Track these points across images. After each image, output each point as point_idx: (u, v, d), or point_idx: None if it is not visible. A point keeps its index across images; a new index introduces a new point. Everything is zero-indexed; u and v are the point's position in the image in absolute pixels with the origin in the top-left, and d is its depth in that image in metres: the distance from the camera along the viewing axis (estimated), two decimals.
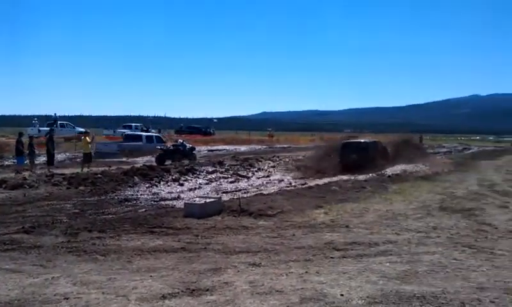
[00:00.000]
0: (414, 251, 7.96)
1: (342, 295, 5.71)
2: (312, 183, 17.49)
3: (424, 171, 22.66)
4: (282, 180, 18.76)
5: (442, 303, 5.47)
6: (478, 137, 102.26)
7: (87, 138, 22.19)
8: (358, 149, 23.28)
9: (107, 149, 30.08)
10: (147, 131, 54.78)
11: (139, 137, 33.51)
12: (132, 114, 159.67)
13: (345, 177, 19.26)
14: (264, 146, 49.50)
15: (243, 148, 44.83)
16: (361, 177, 19.11)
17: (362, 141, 25.49)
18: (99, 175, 16.59)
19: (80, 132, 39.31)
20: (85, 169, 19.73)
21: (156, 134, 38.33)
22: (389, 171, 21.58)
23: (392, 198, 14.34)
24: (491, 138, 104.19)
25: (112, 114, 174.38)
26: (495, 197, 14.76)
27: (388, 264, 7.11)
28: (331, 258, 7.52)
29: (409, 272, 6.69)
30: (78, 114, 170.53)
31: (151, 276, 6.49)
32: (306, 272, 6.68)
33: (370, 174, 19.98)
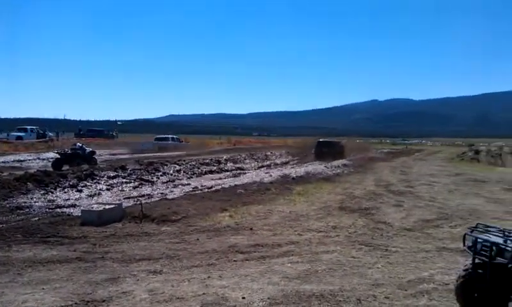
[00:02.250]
0: (314, 251, 8.16)
1: (243, 298, 5.68)
2: (234, 183, 17.47)
3: (326, 173, 23.53)
4: (189, 184, 18.51)
5: (339, 300, 5.63)
6: (375, 140, 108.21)
7: None
8: (327, 145, 35.70)
9: (146, 147, 41.99)
10: (43, 134, 51.85)
11: (166, 138, 48.28)
12: (29, 116, 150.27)
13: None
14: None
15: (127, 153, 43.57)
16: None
17: (329, 140, 39.59)
18: None
19: None
20: None
21: (175, 136, 51.57)
22: (293, 172, 22.21)
23: (296, 199, 14.66)
24: (388, 141, 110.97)
25: (8, 117, 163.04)
26: (390, 196, 15.63)
27: (289, 264, 7.21)
28: (234, 261, 7.48)
29: (310, 271, 6.84)
30: None
31: (43, 289, 6.08)
32: (209, 276, 6.58)
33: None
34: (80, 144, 26.69)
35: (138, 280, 6.48)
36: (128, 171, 19.70)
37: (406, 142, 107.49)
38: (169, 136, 50.41)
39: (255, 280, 6.39)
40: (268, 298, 5.66)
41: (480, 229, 4.91)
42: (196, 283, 6.27)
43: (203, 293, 5.84)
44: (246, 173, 24.29)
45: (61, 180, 16.38)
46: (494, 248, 4.35)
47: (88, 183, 16.66)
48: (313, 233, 9.76)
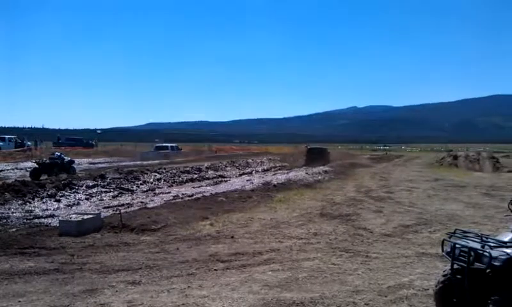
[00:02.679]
0: (295, 258, 8.13)
1: None
2: (215, 190, 17.34)
3: (307, 179, 23.59)
4: (169, 192, 18.36)
5: None
6: (355, 147, 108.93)
7: None
8: (316, 152, 41.05)
9: (149, 156, 44.84)
10: (22, 143, 51.14)
11: (166, 147, 50.67)
12: (7, 125, 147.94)
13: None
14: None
15: (128, 161, 43.43)
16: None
17: (318, 147, 46.51)
18: None
19: None
20: None
21: (174, 145, 53.74)
22: (275, 179, 22.23)
23: (277, 207, 14.65)
24: (367, 147, 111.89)
25: None
26: (371, 202, 15.71)
27: (270, 272, 7.18)
28: (215, 270, 7.42)
29: (290, 279, 6.81)
30: None
31: (19, 301, 5.97)
32: (189, 286, 6.51)
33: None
34: (59, 154, 26.41)
35: (117, 291, 6.38)
36: (108, 180, 19.45)
37: (387, 148, 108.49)
38: (169, 145, 52.90)
39: (236, 289, 6.34)
40: None
41: (459, 235, 4.94)
42: (175, 293, 6.19)
43: (183, 304, 5.77)
44: (227, 181, 24.22)
45: (39, 189, 16.08)
46: (472, 253, 4.37)
47: (67, 193, 16.39)
48: (294, 240, 9.75)
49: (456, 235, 4.97)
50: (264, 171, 32.67)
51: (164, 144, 53.55)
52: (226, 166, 32.22)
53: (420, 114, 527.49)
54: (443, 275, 4.98)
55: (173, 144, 53.77)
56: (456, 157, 43.34)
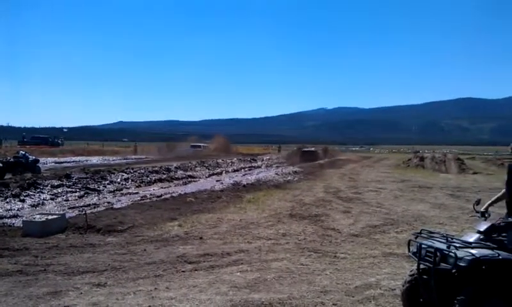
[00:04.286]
0: (264, 259, 8.10)
1: None
2: (184, 191, 17.13)
3: (277, 180, 23.65)
4: (137, 192, 18.09)
5: None
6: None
7: None
8: (308, 153, 50.62)
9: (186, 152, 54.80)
10: None
11: (199, 146, 66.53)
12: None
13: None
14: (119, 158, 47.79)
15: (95, 160, 42.79)
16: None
17: (309, 149, 54.44)
18: None
19: None
20: None
21: (204, 144, 70.21)
22: (244, 180, 22.20)
23: (246, 207, 14.62)
24: (336, 148, 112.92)
25: None
26: (339, 203, 15.84)
27: (238, 273, 7.12)
28: (183, 271, 7.31)
29: (259, 280, 6.77)
30: None
31: None
32: (156, 288, 6.39)
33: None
34: (24, 152, 25.81)
35: (81, 293, 6.22)
36: (74, 180, 19.07)
37: (364, 148, 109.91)
38: (201, 144, 69.10)
39: (203, 291, 6.26)
40: None
41: (425, 235, 4.99)
42: (142, 296, 6.07)
43: (149, 306, 5.65)
44: (196, 181, 24.08)
45: (3, 189, 15.68)
46: (438, 254, 4.41)
47: (31, 193, 16.01)
48: (263, 240, 9.73)
49: (422, 235, 5.02)
50: (234, 171, 32.61)
51: (197, 144, 68.35)
52: (195, 166, 32.03)
53: (388, 116, 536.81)
54: (410, 275, 5.02)
55: (204, 144, 70.13)
56: (422, 159, 44.19)
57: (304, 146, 58.64)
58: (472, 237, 4.73)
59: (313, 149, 55.51)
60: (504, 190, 5.27)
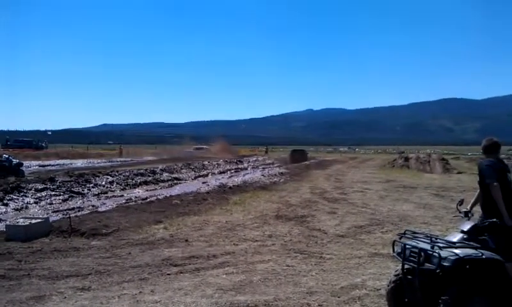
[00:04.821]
0: (250, 261, 8.08)
1: None
2: (170, 193, 17.03)
3: (263, 181, 23.64)
4: (122, 195, 17.97)
5: None
6: (312, 148, 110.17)
7: None
8: (298, 153, 52.87)
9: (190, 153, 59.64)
10: None
11: (202, 147, 70.07)
12: None
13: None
14: (104, 161, 47.44)
15: (79, 163, 42.42)
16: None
17: (300, 149, 58.98)
18: None
19: None
20: None
21: (206, 146, 72.85)
22: (230, 182, 22.17)
23: (232, 209, 14.58)
24: (321, 149, 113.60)
25: None
26: (325, 204, 15.87)
27: (224, 276, 7.10)
28: (168, 274, 7.26)
29: (244, 282, 6.75)
30: None
31: None
32: (141, 292, 6.34)
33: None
34: (7, 156, 25.57)
35: (65, 298, 6.16)
36: (58, 183, 18.85)
37: (351, 149, 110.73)
38: (204, 146, 72.60)
39: (189, 293, 6.22)
40: None
41: (409, 236, 5.01)
42: (126, 299, 6.02)
43: None
44: (182, 183, 23.98)
45: None
46: (422, 254, 4.44)
47: (15, 197, 15.82)
48: (249, 242, 9.70)
49: (406, 235, 5.04)
50: (220, 173, 32.54)
51: (200, 146, 72.68)
52: (181, 168, 31.87)
53: (373, 117, 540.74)
54: (395, 276, 5.04)
55: (206, 146, 73.14)
56: (407, 159, 44.42)
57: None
58: (456, 237, 4.77)
59: (302, 149, 61.12)
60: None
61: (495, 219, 4.77)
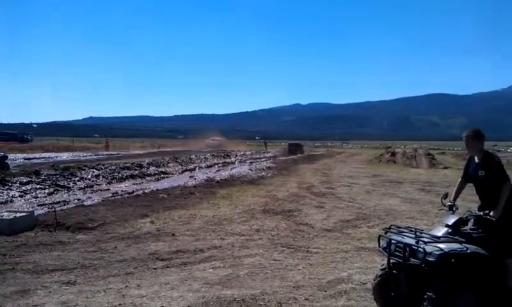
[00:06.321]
0: (237, 255, 8.08)
1: None
2: (156, 187, 16.93)
3: (251, 176, 23.64)
4: (108, 189, 17.85)
5: (260, 305, 5.59)
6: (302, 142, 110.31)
7: None
8: (295, 146, 59.83)
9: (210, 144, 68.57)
10: None
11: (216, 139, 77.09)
12: None
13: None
14: (90, 154, 47.12)
15: (65, 156, 42.08)
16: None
17: (295, 143, 65.01)
18: None
19: None
20: None
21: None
22: (218, 176, 22.15)
23: (220, 203, 14.56)
24: (310, 144, 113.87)
25: None
26: (312, 198, 15.93)
27: (211, 270, 7.08)
28: (154, 269, 7.23)
29: (231, 276, 6.75)
30: None
31: None
32: (126, 286, 6.30)
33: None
34: None
35: (50, 292, 6.09)
36: (43, 177, 18.66)
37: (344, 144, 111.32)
38: (217, 138, 79.37)
39: (175, 288, 6.20)
40: (188, 306, 5.50)
41: (394, 231, 5.03)
42: (112, 294, 5.97)
43: (120, 304, 5.56)
44: (169, 177, 23.89)
45: None
46: (407, 249, 4.46)
47: None
48: (236, 236, 9.70)
49: (392, 230, 5.06)
50: (208, 167, 32.46)
51: (217, 138, 78.62)
52: (168, 162, 31.75)
53: (359, 112, 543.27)
54: (381, 270, 5.06)
55: (220, 138, 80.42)
56: (394, 154, 44.81)
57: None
58: (441, 231, 4.80)
59: (298, 143, 67.04)
60: (460, 180, 5.42)
61: (481, 213, 4.82)
